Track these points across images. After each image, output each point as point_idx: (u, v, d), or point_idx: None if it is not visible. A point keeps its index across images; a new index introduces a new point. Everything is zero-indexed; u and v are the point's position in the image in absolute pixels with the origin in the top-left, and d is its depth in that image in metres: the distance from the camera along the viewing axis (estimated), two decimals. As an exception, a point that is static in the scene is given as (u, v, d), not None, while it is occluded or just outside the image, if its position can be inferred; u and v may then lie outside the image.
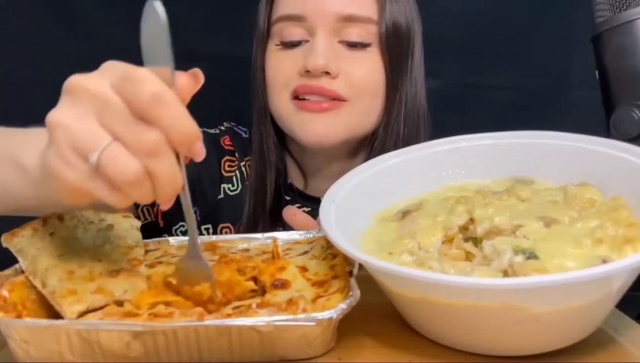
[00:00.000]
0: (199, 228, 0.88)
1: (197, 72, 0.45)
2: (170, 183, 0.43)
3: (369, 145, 0.86)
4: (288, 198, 0.90)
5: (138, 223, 0.61)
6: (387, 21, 0.80)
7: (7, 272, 0.53)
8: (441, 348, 0.48)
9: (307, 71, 0.78)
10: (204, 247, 0.61)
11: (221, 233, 0.88)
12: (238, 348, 0.45)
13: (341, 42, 0.80)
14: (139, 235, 0.60)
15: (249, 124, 0.91)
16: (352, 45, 0.80)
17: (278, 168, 0.88)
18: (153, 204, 0.86)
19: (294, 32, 0.81)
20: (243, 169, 0.91)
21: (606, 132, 0.71)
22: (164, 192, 0.43)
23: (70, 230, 0.58)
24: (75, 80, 0.43)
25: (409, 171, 0.63)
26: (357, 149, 0.87)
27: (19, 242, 0.55)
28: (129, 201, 0.43)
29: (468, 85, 1.17)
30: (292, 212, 0.70)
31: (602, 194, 0.53)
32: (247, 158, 0.91)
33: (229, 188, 0.91)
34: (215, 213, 0.89)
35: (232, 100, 0.96)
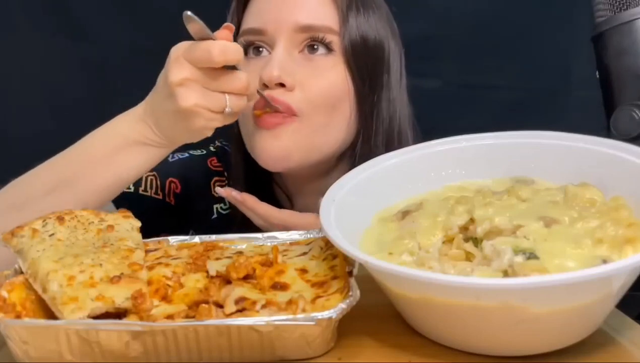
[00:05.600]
0: None
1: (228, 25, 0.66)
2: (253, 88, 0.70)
3: (350, 158, 0.84)
4: None
5: (138, 224, 0.61)
6: (352, 33, 0.78)
7: (7, 272, 0.53)
8: (441, 349, 0.48)
9: (265, 85, 0.76)
10: (204, 246, 0.61)
11: None
12: (238, 348, 0.45)
13: (302, 51, 0.78)
14: (139, 236, 0.60)
15: None
16: (314, 48, 0.78)
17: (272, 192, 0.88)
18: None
19: (255, 41, 0.79)
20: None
21: (606, 131, 0.72)
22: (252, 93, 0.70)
23: (71, 231, 0.57)
24: (173, 77, 0.63)
25: (409, 171, 0.63)
26: (334, 164, 0.85)
27: (19, 242, 0.55)
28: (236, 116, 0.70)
29: (468, 85, 1.17)
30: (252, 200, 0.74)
31: (602, 194, 0.53)
32: None
33: (221, 208, 0.92)
34: (210, 232, 0.89)
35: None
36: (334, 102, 0.78)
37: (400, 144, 0.83)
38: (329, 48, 0.78)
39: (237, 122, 0.83)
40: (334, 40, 0.78)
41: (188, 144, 0.86)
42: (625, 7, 0.70)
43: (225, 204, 0.91)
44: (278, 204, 0.87)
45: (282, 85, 0.75)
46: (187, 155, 0.93)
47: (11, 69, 1.11)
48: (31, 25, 1.11)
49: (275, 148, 0.77)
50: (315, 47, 0.78)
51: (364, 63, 0.79)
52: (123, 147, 0.69)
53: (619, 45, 0.70)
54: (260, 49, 0.79)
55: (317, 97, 0.77)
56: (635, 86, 0.70)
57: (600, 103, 0.74)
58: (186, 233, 0.89)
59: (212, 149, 0.95)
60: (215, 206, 0.91)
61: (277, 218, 0.74)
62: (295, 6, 0.77)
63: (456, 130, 0.64)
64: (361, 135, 0.82)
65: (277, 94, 0.75)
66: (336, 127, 0.80)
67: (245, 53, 0.79)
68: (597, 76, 0.75)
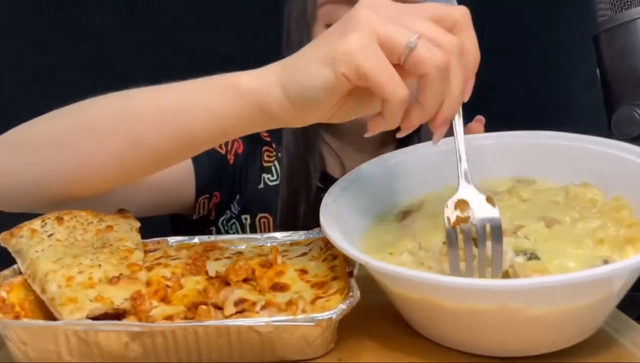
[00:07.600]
0: (238, 217, 0.90)
1: None
2: (459, 94, 0.47)
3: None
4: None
5: (137, 224, 0.61)
6: None
7: (6, 272, 0.53)
8: (441, 349, 0.47)
9: None
10: (203, 247, 0.61)
11: (260, 222, 0.90)
12: (237, 349, 0.45)
13: None
14: (138, 237, 0.59)
15: None
16: None
17: (320, 154, 0.90)
18: (210, 197, 0.87)
19: (343, 14, 0.80)
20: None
21: (607, 131, 0.71)
22: (451, 100, 0.46)
23: (70, 232, 0.57)
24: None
25: (410, 171, 0.63)
26: (387, 136, 0.87)
27: (18, 243, 0.55)
28: (406, 102, 0.45)
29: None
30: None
31: (603, 194, 0.53)
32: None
33: (268, 179, 0.93)
34: (255, 202, 0.91)
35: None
36: None
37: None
38: None
39: None
40: None
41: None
42: (626, 6, 0.70)
43: (272, 176, 0.92)
44: (328, 175, 0.91)
45: None
46: None
47: (11, 69, 1.11)
48: (32, 25, 1.11)
49: None
50: None
51: None
52: (241, 108, 0.52)
53: (620, 44, 0.70)
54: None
55: None
56: (636, 86, 0.70)
57: (602, 103, 0.74)
58: (233, 197, 0.89)
59: None
60: (263, 176, 0.92)
61: None
62: None
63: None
64: None
65: None
66: None
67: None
68: (599, 76, 0.74)
